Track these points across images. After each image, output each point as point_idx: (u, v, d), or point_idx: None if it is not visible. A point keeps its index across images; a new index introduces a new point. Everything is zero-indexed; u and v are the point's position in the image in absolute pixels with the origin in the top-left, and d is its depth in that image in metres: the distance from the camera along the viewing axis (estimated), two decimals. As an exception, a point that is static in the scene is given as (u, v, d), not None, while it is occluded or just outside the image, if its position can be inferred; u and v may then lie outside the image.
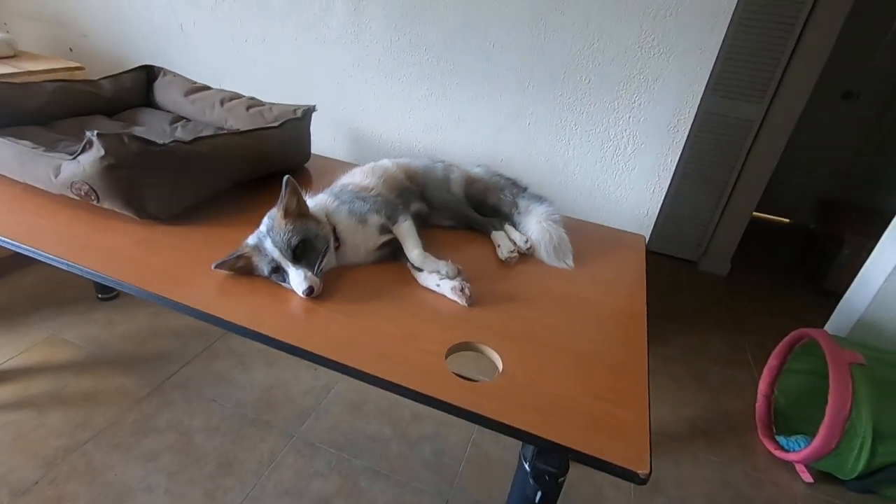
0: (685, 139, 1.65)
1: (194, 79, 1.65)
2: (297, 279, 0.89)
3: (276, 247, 0.90)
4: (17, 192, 1.13)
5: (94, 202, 1.04)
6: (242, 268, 0.95)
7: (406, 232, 1.05)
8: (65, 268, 0.93)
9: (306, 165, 1.56)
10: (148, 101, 1.65)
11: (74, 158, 1.01)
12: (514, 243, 1.17)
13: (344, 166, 1.35)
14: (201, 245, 1.03)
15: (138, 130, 1.44)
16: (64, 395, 1.55)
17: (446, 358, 0.82)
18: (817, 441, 1.50)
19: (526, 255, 1.17)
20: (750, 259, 3.13)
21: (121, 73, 1.58)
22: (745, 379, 2.07)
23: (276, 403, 1.63)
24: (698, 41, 1.52)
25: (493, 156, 1.89)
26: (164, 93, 1.62)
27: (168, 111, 1.61)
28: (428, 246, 1.11)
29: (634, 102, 1.66)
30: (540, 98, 1.75)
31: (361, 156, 2.09)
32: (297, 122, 1.41)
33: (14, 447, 1.37)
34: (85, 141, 0.99)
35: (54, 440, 1.41)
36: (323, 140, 2.14)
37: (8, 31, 2.58)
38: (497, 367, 0.83)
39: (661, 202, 1.77)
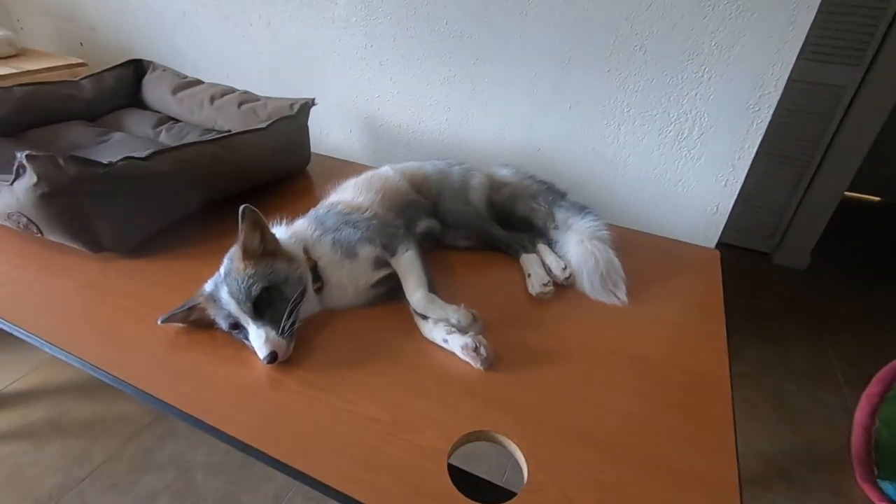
0: (769, 119, 1.32)
1: (201, 69, 1.46)
2: (258, 342, 0.68)
3: (232, 297, 0.70)
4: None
5: (38, 235, 0.88)
6: (197, 321, 0.76)
7: (407, 267, 0.82)
8: (-7, 323, 0.78)
9: (307, 169, 1.35)
10: (137, 99, 1.48)
11: (10, 185, 0.84)
12: (550, 271, 0.92)
13: (351, 168, 1.12)
14: (159, 287, 0.85)
15: (118, 137, 1.27)
16: (63, 424, 1.45)
17: (449, 457, 0.60)
18: (941, 501, 1.19)
19: (565, 286, 0.92)
20: (834, 248, 2.69)
21: (104, 71, 1.42)
22: (833, 403, 1.73)
23: (286, 432, 1.48)
24: (791, -7, 1.18)
25: (527, 146, 1.62)
26: (152, 90, 1.45)
27: (156, 111, 1.43)
28: (441, 273, 0.89)
29: (703, 76, 1.34)
30: (584, 75, 1.45)
31: (379, 148, 1.86)
32: (290, 121, 1.20)
33: (8, 486, 1.28)
34: (17, 164, 0.81)
35: (50, 477, 1.31)
36: (337, 133, 1.92)
37: (22, 28, 2.50)
38: (522, 472, 0.60)
39: (737, 195, 1.45)
